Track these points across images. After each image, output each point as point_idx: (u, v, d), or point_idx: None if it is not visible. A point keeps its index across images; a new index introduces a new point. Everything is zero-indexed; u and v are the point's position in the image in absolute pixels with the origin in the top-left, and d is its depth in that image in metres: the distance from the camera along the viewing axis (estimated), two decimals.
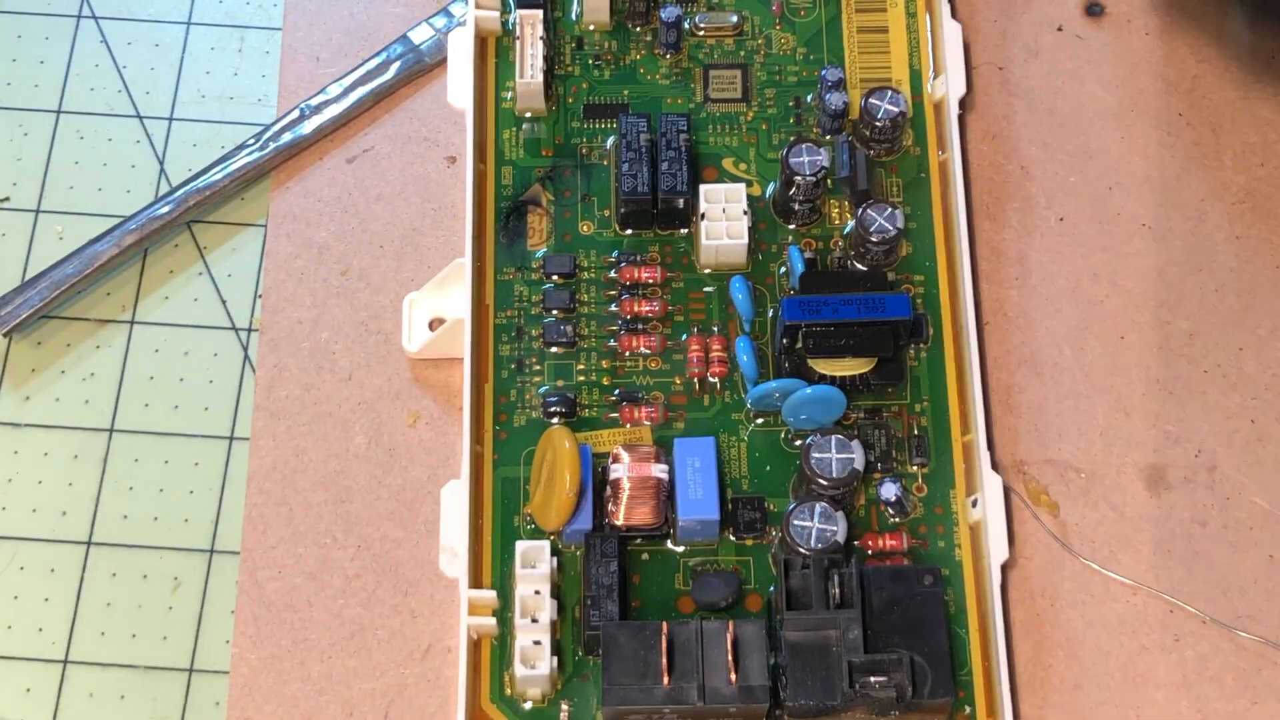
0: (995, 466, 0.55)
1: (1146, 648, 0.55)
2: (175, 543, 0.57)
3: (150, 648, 0.56)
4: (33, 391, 0.60)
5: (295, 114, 0.62)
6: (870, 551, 0.54)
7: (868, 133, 0.59)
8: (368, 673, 0.55)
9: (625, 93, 0.61)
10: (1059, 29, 0.64)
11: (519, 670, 0.51)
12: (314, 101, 0.62)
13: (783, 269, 0.58)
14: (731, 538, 0.54)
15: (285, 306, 0.60)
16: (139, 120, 0.64)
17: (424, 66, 0.63)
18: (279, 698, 0.54)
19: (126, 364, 0.60)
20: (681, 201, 0.57)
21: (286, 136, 0.61)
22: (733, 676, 0.49)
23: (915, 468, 0.55)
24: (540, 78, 0.59)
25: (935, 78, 0.60)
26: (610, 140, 0.60)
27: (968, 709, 0.52)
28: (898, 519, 0.55)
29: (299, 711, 0.54)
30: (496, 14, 0.61)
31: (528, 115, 0.60)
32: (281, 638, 0.55)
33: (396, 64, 0.62)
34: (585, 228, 0.59)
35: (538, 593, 0.52)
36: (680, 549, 0.54)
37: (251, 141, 0.61)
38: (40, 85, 0.64)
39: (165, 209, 0.60)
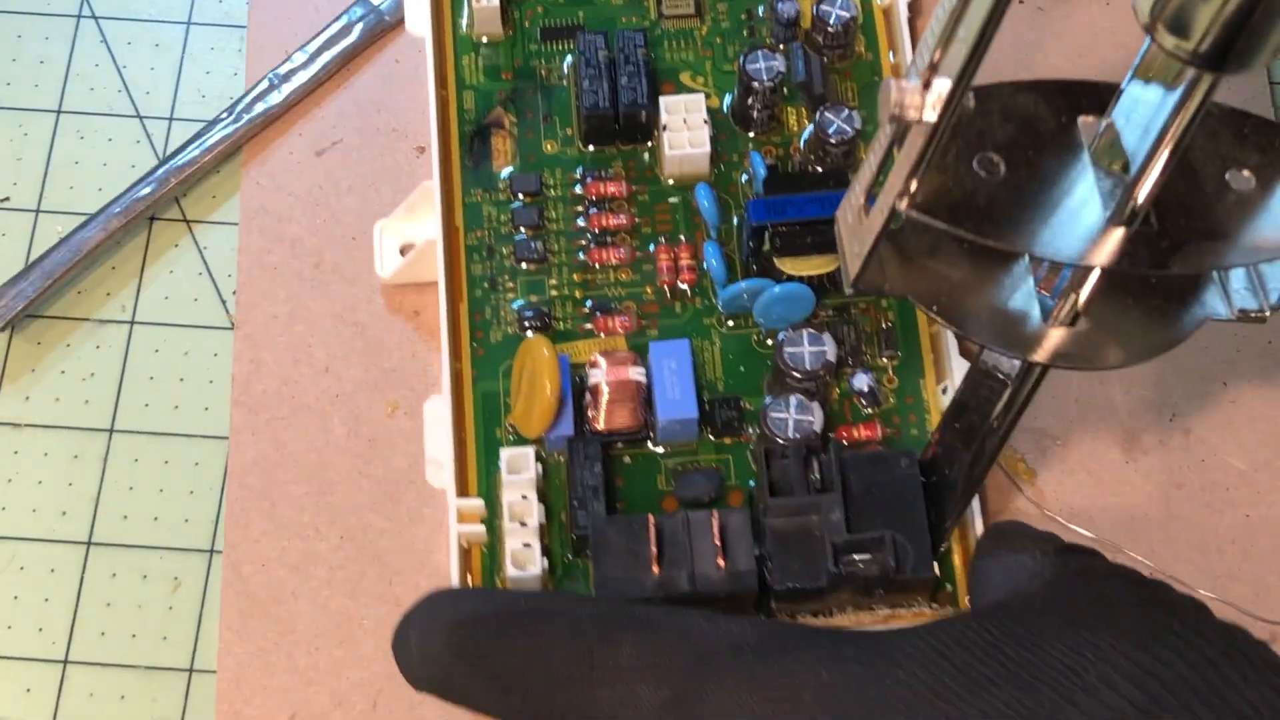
0: (963, 354, 0.56)
1: None
2: (175, 543, 0.58)
3: (150, 648, 0.56)
4: (33, 391, 0.60)
5: (265, 84, 0.62)
6: (846, 443, 0.55)
7: (820, 39, 0.60)
8: (355, 663, 0.55)
9: (580, 14, 0.61)
10: (1020, 1, 0.64)
11: (511, 573, 0.52)
12: (282, 70, 0.62)
13: (745, 177, 0.59)
14: (710, 437, 0.55)
15: (260, 301, 0.60)
16: (139, 120, 0.64)
17: (385, 25, 0.63)
18: (267, 690, 0.54)
19: (126, 364, 0.60)
20: (643, 114, 0.58)
21: (259, 107, 0.62)
22: (721, 562, 0.50)
23: (885, 360, 0.57)
24: (497, 1, 0.60)
25: None
26: (569, 60, 0.61)
27: (949, 586, 0.54)
28: (871, 410, 0.56)
29: (288, 704, 0.54)
30: None
31: (484, 40, 0.61)
32: (268, 631, 0.55)
33: (358, 26, 0.63)
34: (549, 147, 0.60)
35: (524, 497, 0.53)
36: (661, 450, 0.55)
37: (225, 115, 0.62)
38: (40, 85, 0.64)
39: (147, 189, 0.61)
